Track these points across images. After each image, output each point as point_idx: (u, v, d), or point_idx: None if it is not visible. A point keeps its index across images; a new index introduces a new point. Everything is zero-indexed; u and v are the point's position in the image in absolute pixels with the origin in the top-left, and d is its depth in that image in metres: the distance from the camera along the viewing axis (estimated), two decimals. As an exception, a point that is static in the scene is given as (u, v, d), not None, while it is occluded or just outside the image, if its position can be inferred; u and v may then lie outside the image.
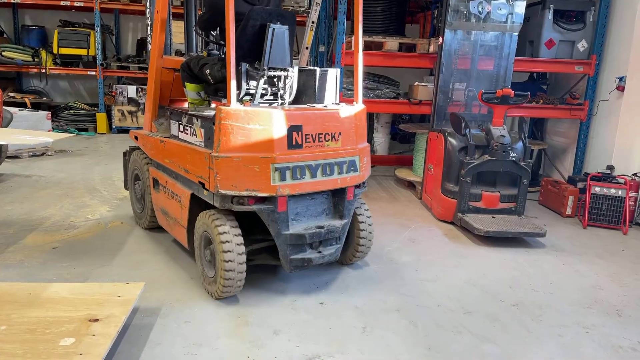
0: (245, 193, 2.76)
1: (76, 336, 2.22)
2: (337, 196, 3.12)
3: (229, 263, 2.77)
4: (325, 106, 3.15)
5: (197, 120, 3.05)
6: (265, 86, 3.03)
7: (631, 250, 4.23)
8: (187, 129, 3.19)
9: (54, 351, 2.12)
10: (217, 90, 3.31)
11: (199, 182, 2.95)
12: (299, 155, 2.86)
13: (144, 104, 4.33)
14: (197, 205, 3.13)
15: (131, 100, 8.48)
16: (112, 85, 8.70)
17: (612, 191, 4.70)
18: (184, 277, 3.27)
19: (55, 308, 2.45)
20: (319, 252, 3.02)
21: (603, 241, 4.44)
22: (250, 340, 2.59)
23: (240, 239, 2.85)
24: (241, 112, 2.75)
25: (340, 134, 3.07)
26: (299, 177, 2.86)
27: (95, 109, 8.84)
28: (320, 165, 2.94)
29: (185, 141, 3.21)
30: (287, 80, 3.11)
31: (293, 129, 2.85)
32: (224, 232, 2.80)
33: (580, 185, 5.12)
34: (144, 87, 8.05)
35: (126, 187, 4.61)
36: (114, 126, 8.74)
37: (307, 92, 3.23)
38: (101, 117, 8.73)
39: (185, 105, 3.75)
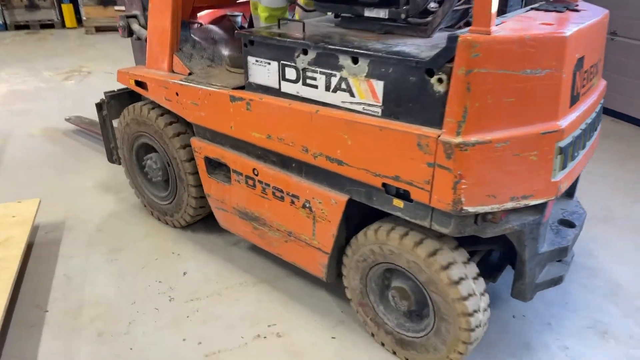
0: (509, 205, 1.44)
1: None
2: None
3: (475, 331, 1.55)
4: (566, 7, 1.75)
5: (368, 62, 1.52)
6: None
7: None
8: (329, 80, 1.63)
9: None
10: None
11: (385, 185, 1.54)
12: (578, 115, 1.54)
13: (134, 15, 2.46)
14: (351, 216, 1.75)
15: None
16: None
17: None
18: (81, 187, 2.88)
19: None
20: (561, 260, 1.89)
21: None
22: None
23: (483, 285, 1.61)
24: (514, 44, 1.31)
25: (600, 61, 1.76)
26: (575, 156, 1.58)
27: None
28: (588, 128, 1.67)
29: (323, 104, 1.67)
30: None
31: (578, 66, 1.49)
32: (461, 279, 1.53)
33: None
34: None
35: (112, 160, 2.89)
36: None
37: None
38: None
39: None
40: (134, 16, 2.50)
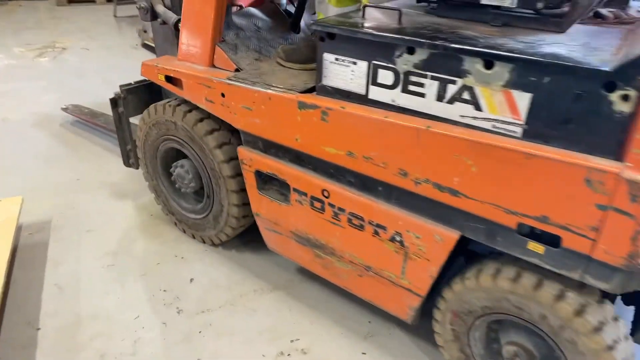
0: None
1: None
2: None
3: (630, 401, 1.25)
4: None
5: (511, 68, 1.14)
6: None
7: None
8: (444, 87, 1.25)
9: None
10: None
11: (521, 224, 1.21)
12: None
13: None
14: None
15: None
16: None
17: None
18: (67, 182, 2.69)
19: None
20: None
21: None
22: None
23: (631, 344, 1.30)
24: None
25: None
26: None
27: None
28: None
29: (431, 117, 1.30)
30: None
31: None
32: (615, 343, 1.22)
33: None
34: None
35: (128, 164, 2.50)
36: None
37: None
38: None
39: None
40: (157, -5, 2.08)
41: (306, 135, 1.56)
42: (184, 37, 1.88)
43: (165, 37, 2.23)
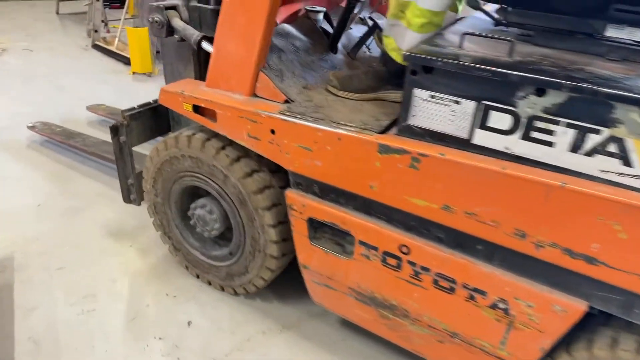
0: None
1: None
2: None
3: None
4: None
5: None
6: None
7: None
8: (583, 137, 1.02)
9: None
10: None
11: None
12: None
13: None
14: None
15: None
16: None
17: None
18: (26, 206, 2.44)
19: None
20: None
21: None
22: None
23: None
24: None
25: None
26: None
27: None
28: None
29: (559, 169, 1.09)
30: None
31: None
32: None
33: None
34: None
35: (129, 200, 2.16)
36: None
37: None
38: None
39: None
40: (174, 7, 1.77)
41: (386, 184, 1.32)
42: (216, 59, 1.58)
43: (180, 57, 1.91)
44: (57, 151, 3.11)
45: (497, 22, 1.49)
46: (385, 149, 1.27)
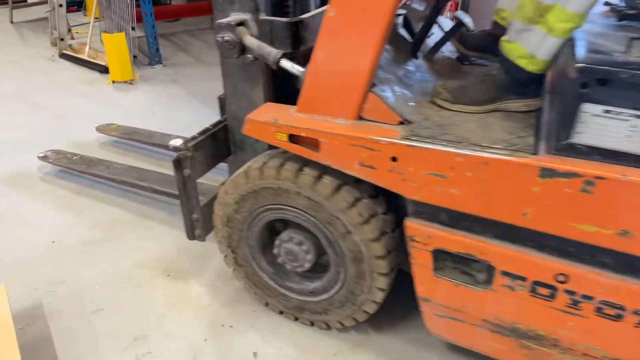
0: None
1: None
2: None
3: None
4: None
5: None
6: None
7: None
8: None
9: None
10: None
11: None
12: None
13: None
14: None
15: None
16: None
17: None
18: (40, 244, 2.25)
19: None
20: None
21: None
22: None
23: None
24: None
25: None
26: None
27: None
28: None
29: None
30: None
31: None
32: None
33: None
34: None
35: (194, 236, 1.97)
36: None
37: None
38: None
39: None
40: (242, 23, 1.57)
41: (545, 210, 1.18)
42: (313, 80, 1.40)
43: (246, 76, 1.71)
44: (59, 176, 2.86)
45: (622, 16, 1.36)
46: (548, 173, 1.13)
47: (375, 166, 1.34)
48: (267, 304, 1.88)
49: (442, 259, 1.41)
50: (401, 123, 1.35)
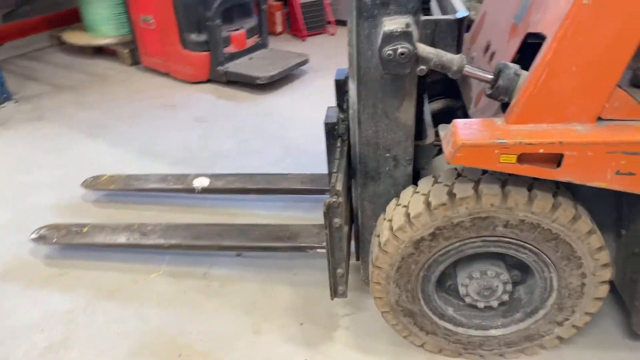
0: None
1: None
2: None
3: None
4: None
5: None
6: None
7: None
8: None
9: None
10: None
11: None
12: None
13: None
14: None
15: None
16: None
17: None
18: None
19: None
20: None
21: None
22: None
23: None
24: None
25: None
26: None
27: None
28: None
29: None
30: None
31: None
32: None
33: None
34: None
35: (338, 294, 1.65)
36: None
37: None
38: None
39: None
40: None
41: None
42: (540, 83, 1.16)
43: (392, 93, 1.39)
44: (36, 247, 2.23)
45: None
46: None
47: (636, 172, 1.17)
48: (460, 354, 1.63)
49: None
50: (646, 117, 1.19)
